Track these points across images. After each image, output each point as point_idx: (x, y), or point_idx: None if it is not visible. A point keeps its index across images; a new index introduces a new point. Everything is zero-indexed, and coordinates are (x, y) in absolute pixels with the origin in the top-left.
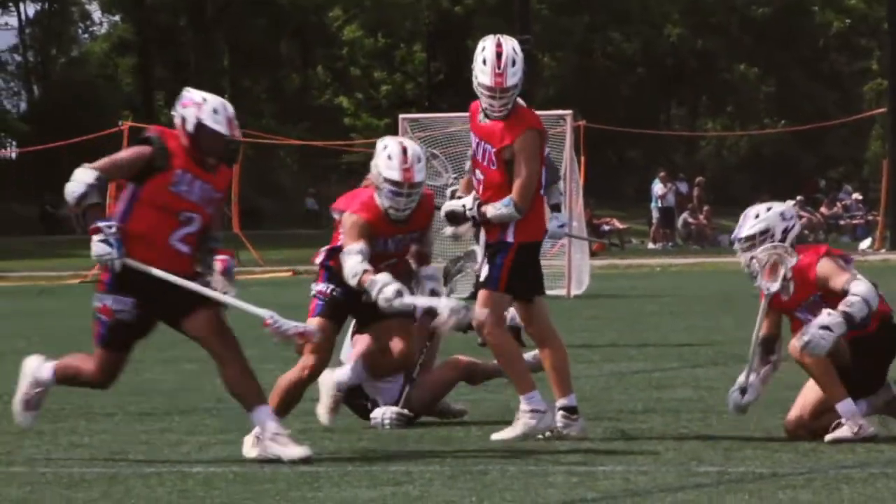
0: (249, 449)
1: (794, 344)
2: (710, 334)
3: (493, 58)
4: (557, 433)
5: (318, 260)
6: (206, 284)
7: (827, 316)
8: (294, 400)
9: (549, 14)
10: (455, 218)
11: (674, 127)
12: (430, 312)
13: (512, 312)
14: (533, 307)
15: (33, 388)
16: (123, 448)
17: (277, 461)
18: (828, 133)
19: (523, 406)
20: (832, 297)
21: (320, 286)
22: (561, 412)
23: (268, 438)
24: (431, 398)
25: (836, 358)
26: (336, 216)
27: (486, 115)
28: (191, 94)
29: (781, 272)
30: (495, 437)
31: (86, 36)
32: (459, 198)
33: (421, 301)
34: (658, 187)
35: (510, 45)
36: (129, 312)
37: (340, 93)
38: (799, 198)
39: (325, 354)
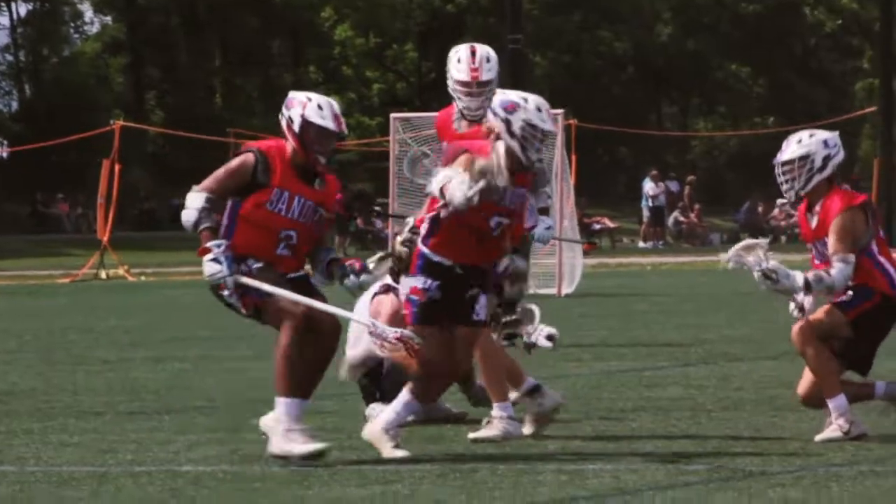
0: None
1: (794, 330)
2: (701, 333)
3: (468, 56)
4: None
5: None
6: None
7: (797, 274)
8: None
9: (539, 14)
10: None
11: (665, 126)
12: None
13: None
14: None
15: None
16: (113, 447)
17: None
18: None
19: (499, 413)
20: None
21: (413, 281)
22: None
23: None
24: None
25: (836, 333)
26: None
27: (464, 116)
28: (296, 95)
29: (760, 253)
30: (473, 435)
31: (77, 36)
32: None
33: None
34: (649, 186)
35: (484, 48)
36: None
37: (332, 92)
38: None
39: (447, 354)
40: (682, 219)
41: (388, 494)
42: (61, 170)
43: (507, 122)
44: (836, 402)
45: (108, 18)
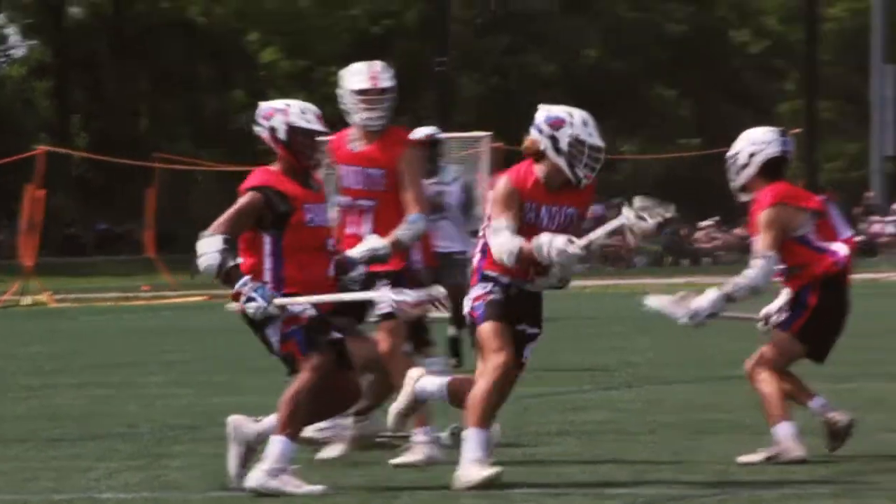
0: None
1: (747, 363)
2: (625, 356)
3: (364, 65)
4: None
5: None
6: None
7: (711, 293)
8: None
9: (467, 35)
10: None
11: None
12: None
13: None
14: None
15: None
16: (35, 475)
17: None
18: None
19: (421, 437)
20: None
21: (473, 290)
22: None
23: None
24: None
25: (793, 356)
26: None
27: (364, 133)
28: (271, 104)
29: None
30: (396, 461)
31: (3, 60)
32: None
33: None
34: None
35: (378, 62)
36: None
37: None
38: (716, 218)
39: (509, 351)
40: (607, 242)
41: None
42: None
43: (554, 139)
44: (781, 430)
45: (35, 42)
